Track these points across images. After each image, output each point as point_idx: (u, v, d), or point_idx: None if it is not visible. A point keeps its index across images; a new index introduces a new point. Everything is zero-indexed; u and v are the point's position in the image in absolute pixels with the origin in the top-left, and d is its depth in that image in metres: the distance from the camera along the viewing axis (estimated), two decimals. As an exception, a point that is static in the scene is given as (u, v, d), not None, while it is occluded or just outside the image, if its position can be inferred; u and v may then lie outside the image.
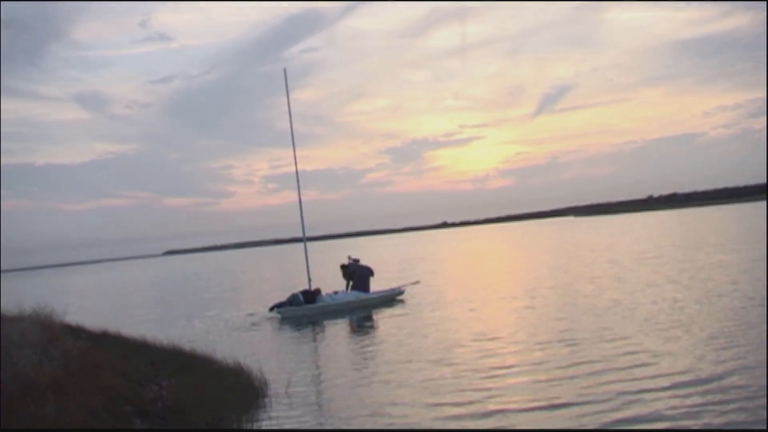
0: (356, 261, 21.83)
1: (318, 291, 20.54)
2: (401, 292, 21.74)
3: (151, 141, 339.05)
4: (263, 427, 8.00)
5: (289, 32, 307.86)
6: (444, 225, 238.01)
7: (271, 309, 20.18)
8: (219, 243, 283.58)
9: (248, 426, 8.04)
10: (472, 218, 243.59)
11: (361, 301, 20.58)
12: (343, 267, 21.76)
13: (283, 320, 19.08)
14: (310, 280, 21.18)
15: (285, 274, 43.01)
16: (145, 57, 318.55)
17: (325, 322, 18.13)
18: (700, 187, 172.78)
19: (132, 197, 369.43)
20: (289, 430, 7.57)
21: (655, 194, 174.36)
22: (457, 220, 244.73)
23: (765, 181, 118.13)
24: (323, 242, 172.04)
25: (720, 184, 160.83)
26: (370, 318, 18.18)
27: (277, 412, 8.59)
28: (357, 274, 21.40)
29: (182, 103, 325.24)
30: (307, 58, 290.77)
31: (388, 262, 44.48)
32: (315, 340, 15.78)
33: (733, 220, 56.30)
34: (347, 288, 21.35)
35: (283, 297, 21.26)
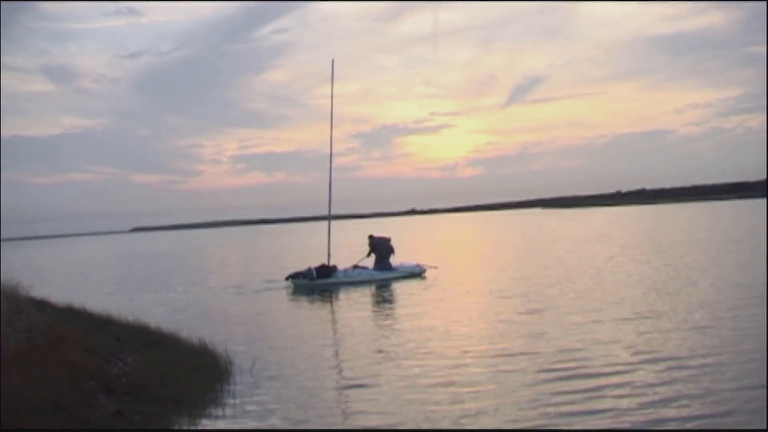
0: (388, 239, 22.55)
1: (334, 267, 21.18)
2: (422, 271, 22.20)
3: (120, 116, 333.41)
4: (226, 408, 8.10)
5: (260, 12, 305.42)
6: (412, 212, 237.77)
7: (287, 278, 20.91)
8: (187, 221, 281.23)
9: (210, 404, 8.17)
10: (440, 206, 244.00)
11: (376, 280, 21.11)
12: (370, 238, 22.69)
13: (295, 290, 20.01)
14: (329, 255, 21.79)
15: (260, 256, 42.91)
16: (114, 31, 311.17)
17: (339, 295, 18.82)
18: (669, 183, 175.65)
19: (99, 172, 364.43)
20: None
21: (624, 189, 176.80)
22: (426, 207, 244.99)
23: (732, 180, 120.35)
24: (290, 225, 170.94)
25: (688, 182, 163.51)
26: (385, 294, 18.42)
27: (240, 391, 8.69)
28: (378, 248, 22.16)
29: (151, 79, 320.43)
30: (278, 39, 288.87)
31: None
32: (306, 317, 15.55)
33: (719, 217, 57.15)
34: (368, 256, 22.25)
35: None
